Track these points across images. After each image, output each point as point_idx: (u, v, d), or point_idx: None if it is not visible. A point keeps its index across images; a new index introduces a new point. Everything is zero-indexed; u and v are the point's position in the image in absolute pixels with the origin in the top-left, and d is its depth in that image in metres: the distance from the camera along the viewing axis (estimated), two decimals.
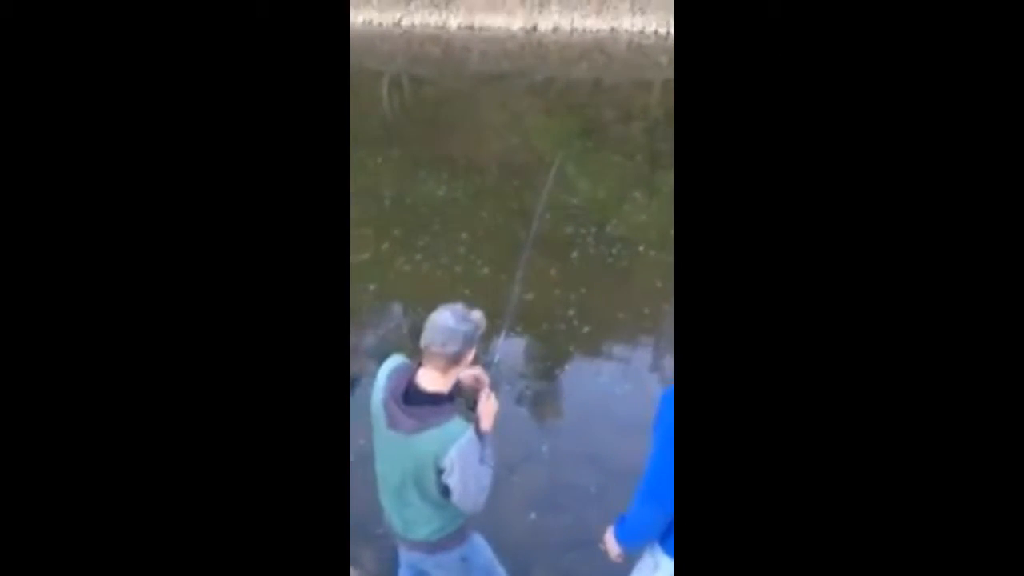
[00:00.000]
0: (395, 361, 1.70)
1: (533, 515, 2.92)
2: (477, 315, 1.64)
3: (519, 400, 3.73)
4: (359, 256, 5.20)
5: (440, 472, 1.60)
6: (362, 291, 4.76)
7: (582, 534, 2.76)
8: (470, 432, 1.59)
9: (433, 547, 1.76)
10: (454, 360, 1.59)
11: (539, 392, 3.83)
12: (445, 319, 1.59)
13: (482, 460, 1.63)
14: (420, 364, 1.64)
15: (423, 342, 1.60)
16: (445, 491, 1.64)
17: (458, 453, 1.56)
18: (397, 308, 4.71)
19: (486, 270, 5.02)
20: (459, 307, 1.64)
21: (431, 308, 1.68)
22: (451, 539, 1.77)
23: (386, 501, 1.75)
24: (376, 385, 1.68)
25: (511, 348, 4.17)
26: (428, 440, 1.58)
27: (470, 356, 1.63)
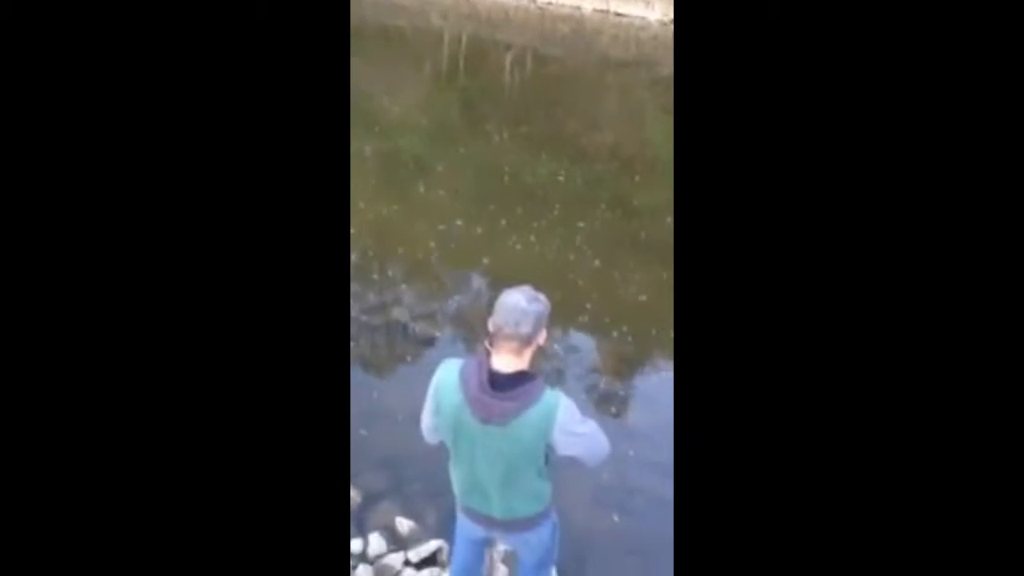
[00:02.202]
0: (456, 362, 1.70)
1: (616, 517, 2.90)
2: (543, 297, 1.66)
3: (601, 400, 3.69)
4: (473, 230, 5.26)
5: (549, 447, 1.64)
6: (476, 265, 4.82)
7: (644, 540, 2.74)
8: (563, 400, 1.62)
9: (536, 520, 1.82)
10: (527, 341, 1.60)
11: (628, 394, 3.78)
12: (516, 300, 1.60)
13: (583, 419, 1.66)
14: (488, 352, 1.64)
15: (495, 324, 1.60)
16: (546, 459, 1.69)
17: (562, 430, 1.61)
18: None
19: (597, 263, 4.96)
20: (528, 288, 1.65)
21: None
22: (549, 507, 1.84)
23: (485, 494, 1.76)
24: (445, 388, 1.67)
25: (587, 345, 4.14)
26: (529, 421, 1.60)
27: (542, 337, 1.65)
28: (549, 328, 1.68)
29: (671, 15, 13.51)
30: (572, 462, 1.71)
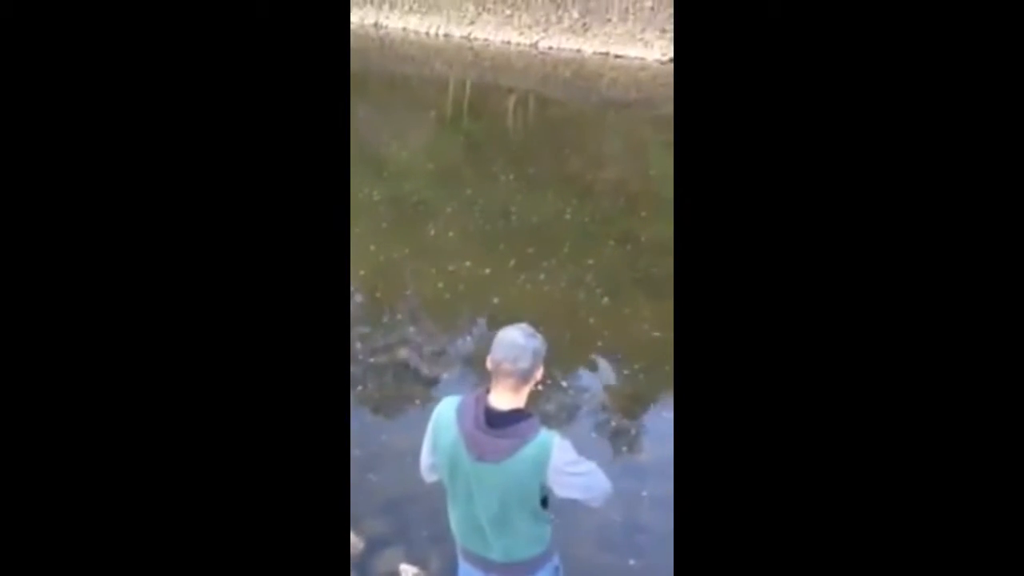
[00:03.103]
0: (455, 399, 1.71)
1: (632, 561, 2.82)
2: (540, 335, 1.67)
3: (612, 435, 3.65)
4: (481, 271, 5.28)
5: (543, 486, 1.63)
6: (485, 305, 4.83)
7: None
8: (557, 440, 1.62)
9: (535, 563, 1.78)
10: (524, 377, 1.61)
11: (640, 431, 3.73)
12: (514, 336, 1.62)
13: (578, 459, 1.65)
14: (487, 390, 1.65)
15: (493, 360, 1.62)
16: (544, 501, 1.67)
17: (556, 470, 1.60)
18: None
19: (606, 300, 4.95)
20: (525, 325, 1.67)
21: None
22: (551, 549, 1.81)
23: (483, 535, 1.74)
24: (442, 425, 1.68)
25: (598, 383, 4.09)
26: (524, 459, 1.59)
27: (539, 373, 1.65)
28: (554, 366, 1.69)
29: (670, 53, 13.80)
30: (577, 503, 1.69)
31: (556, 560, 1.86)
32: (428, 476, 1.79)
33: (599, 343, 4.42)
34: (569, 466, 1.62)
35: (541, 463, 1.59)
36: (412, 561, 2.72)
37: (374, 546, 2.79)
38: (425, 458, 1.76)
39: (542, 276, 5.20)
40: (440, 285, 5.04)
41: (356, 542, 2.77)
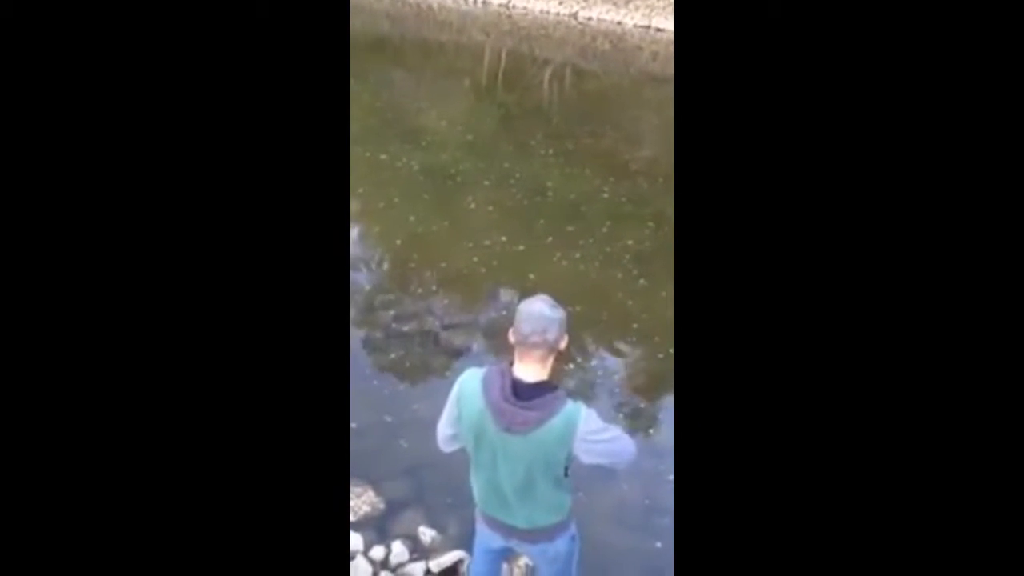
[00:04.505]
0: (478, 371, 1.72)
1: (658, 544, 2.84)
2: (559, 305, 1.67)
3: (639, 416, 3.66)
4: (516, 247, 5.27)
5: (569, 455, 1.66)
6: (521, 281, 4.83)
7: (665, 561, 2.68)
8: (584, 410, 1.64)
9: (554, 531, 1.82)
10: (551, 348, 1.62)
11: (666, 413, 3.73)
12: (540, 308, 1.62)
13: (604, 427, 1.67)
14: (511, 362, 1.66)
15: (521, 333, 1.61)
16: (566, 470, 1.71)
17: (584, 439, 1.62)
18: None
19: (643, 282, 4.92)
20: (546, 296, 1.68)
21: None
22: (569, 518, 1.86)
23: (505, 502, 1.77)
24: (467, 396, 1.69)
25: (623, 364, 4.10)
26: (551, 430, 1.61)
27: (564, 343, 1.66)
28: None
29: None
30: (602, 475, 1.73)
31: (573, 529, 1.90)
32: (446, 446, 1.81)
33: (635, 325, 4.41)
34: (595, 434, 1.64)
35: (568, 434, 1.62)
36: (431, 525, 2.80)
37: (394, 508, 2.88)
38: (444, 429, 1.78)
39: (578, 255, 5.18)
40: (475, 259, 5.05)
41: (377, 503, 2.88)
